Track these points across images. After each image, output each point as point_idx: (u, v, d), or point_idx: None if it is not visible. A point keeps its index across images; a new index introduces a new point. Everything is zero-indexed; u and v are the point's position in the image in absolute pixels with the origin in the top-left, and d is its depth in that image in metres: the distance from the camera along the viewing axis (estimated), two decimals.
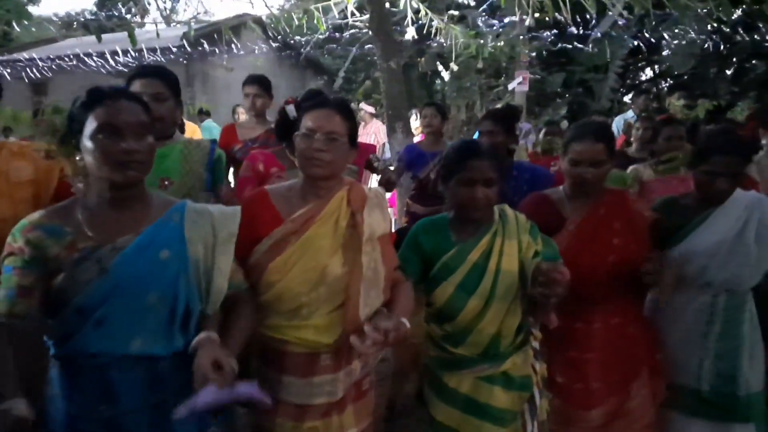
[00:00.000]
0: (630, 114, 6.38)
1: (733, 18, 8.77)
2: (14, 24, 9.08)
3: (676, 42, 8.64)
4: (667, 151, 3.32)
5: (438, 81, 14.15)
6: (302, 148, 1.67)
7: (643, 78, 12.90)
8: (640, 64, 12.22)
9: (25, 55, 14.67)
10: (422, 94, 13.68)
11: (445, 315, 1.95)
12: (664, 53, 10.42)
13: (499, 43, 8.44)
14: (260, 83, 3.69)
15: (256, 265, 1.66)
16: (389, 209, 4.34)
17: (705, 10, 6.09)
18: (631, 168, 3.50)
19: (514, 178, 3.00)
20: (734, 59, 10.24)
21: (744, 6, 7.10)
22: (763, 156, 2.64)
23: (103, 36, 5.19)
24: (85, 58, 12.15)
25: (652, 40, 9.59)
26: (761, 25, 7.88)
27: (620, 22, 8.81)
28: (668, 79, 11.66)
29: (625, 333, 2.13)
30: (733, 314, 2.16)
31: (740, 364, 2.14)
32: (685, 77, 10.36)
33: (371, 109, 8.26)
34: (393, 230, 2.03)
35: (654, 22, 8.47)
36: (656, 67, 12.18)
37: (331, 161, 1.66)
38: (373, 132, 7.78)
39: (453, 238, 1.95)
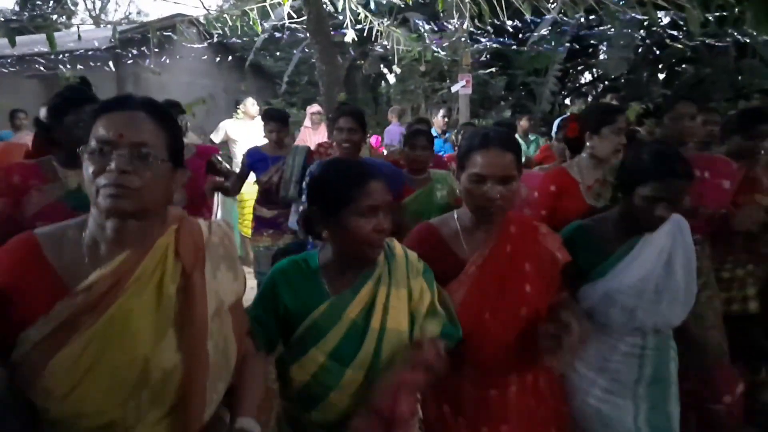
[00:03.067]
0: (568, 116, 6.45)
1: (662, 24, 9.11)
2: None
3: (610, 47, 8.89)
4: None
5: (383, 84, 14.09)
6: (91, 171, 1.06)
7: (582, 81, 13.27)
8: (579, 68, 12.55)
9: None
10: (367, 98, 13.57)
11: (310, 395, 1.44)
12: (600, 57, 10.72)
13: (441, 47, 8.42)
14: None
15: (23, 364, 1.03)
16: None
17: (634, 16, 6.24)
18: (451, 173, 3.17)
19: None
20: (665, 63, 10.66)
21: (672, 12, 7.37)
22: (584, 158, 2.48)
23: (28, 37, 4.77)
24: (6, 61, 11.33)
25: (592, 42, 9.85)
26: (689, 31, 8.22)
27: (557, 27, 8.99)
28: (606, 82, 12.03)
29: (539, 390, 1.74)
30: (663, 354, 1.89)
31: (671, 410, 1.88)
32: (621, 80, 10.69)
33: (317, 108, 7.99)
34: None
35: (589, 27, 8.68)
36: (594, 70, 12.54)
37: (140, 190, 1.06)
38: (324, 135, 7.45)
39: (325, 289, 1.46)
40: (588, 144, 2.45)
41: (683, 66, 10.60)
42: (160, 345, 1.09)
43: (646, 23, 8.54)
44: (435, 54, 7.75)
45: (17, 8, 21.89)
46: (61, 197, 2.04)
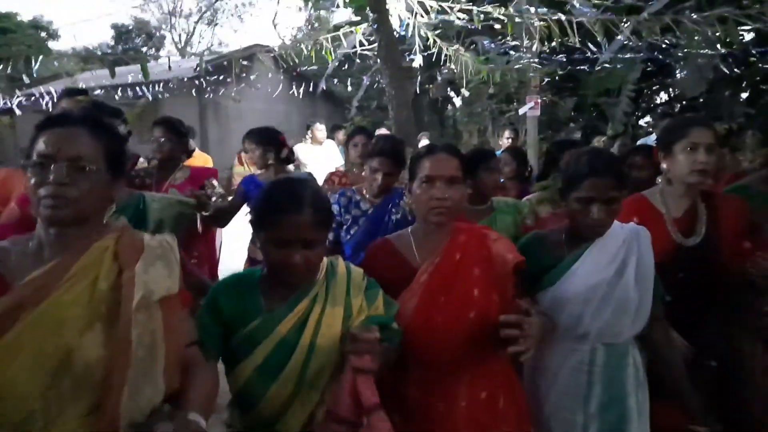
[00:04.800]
0: (653, 138, 6.28)
1: (744, 41, 8.70)
2: (33, 59, 9.28)
3: (687, 65, 8.57)
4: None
5: (449, 107, 14.21)
6: (32, 183, 1.17)
7: (658, 101, 12.81)
8: (654, 88, 12.14)
9: (43, 89, 14.99)
10: (433, 120, 13.73)
11: (242, 402, 1.50)
12: (678, 76, 10.34)
13: (509, 69, 8.45)
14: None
15: None
16: None
17: (715, 35, 6.03)
18: (525, 198, 3.00)
19: (388, 211, 2.59)
20: (747, 82, 10.11)
21: (755, 30, 7.04)
22: (663, 184, 2.15)
23: (119, 69, 5.25)
24: (101, 91, 12.37)
25: (667, 61, 9.54)
26: None
27: (629, 47, 8.79)
28: (683, 102, 11.56)
29: (495, 409, 1.69)
30: (614, 371, 1.79)
31: (630, 430, 1.77)
32: (700, 100, 10.25)
33: (384, 131, 8.19)
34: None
35: (664, 46, 8.43)
36: (670, 90, 12.09)
37: (78, 199, 1.17)
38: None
39: (261, 304, 1.48)
40: (662, 166, 2.16)
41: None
42: (86, 337, 1.14)
43: (727, 40, 8.19)
44: (503, 76, 7.77)
45: (112, 42, 23.84)
46: None
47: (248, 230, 3.25)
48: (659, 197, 2.16)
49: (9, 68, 8.31)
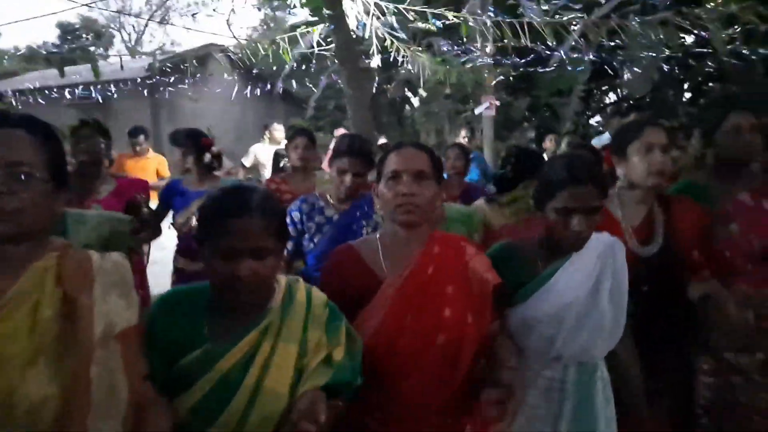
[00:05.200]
0: (606, 136, 6.49)
1: (684, 45, 9.13)
2: None
3: (633, 67, 8.94)
4: None
5: (407, 107, 14.32)
6: None
7: (607, 101, 13.27)
8: (603, 88, 12.57)
9: None
10: (391, 121, 13.81)
11: None
12: (625, 77, 10.76)
13: (464, 70, 8.60)
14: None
15: None
16: None
17: (658, 37, 6.33)
18: (474, 204, 2.75)
19: (355, 218, 2.43)
20: (691, 83, 10.61)
21: (693, 34, 7.44)
22: (621, 188, 2.04)
23: (67, 69, 5.09)
24: (47, 92, 11.92)
25: (614, 64, 9.91)
26: (711, 51, 8.24)
27: (579, 49, 9.11)
28: (631, 102, 12.02)
29: None
30: (586, 388, 1.70)
31: None
32: (646, 100, 10.68)
33: (343, 132, 8.23)
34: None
35: (611, 48, 8.77)
36: (618, 90, 12.55)
37: (17, 211, 1.01)
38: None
39: (205, 331, 1.27)
40: (618, 171, 2.06)
41: (710, 84, 10.55)
42: (29, 374, 0.97)
43: (668, 44, 8.58)
44: (459, 77, 7.92)
45: (58, 41, 22.95)
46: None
47: (172, 240, 3.10)
48: (616, 202, 2.03)
49: None
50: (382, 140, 6.74)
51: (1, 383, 0.95)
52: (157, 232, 3.00)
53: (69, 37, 23.36)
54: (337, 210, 2.49)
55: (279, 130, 6.31)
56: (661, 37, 6.23)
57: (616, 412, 1.76)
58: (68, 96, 11.73)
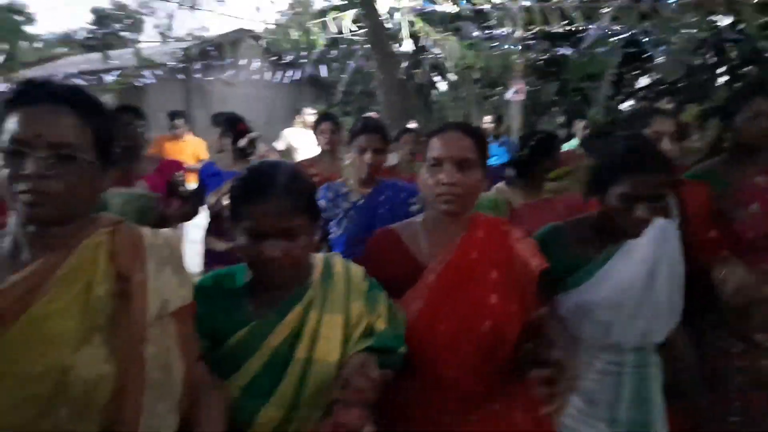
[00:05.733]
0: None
1: (718, 28, 8.93)
2: (12, 45, 9.21)
3: (666, 51, 8.81)
4: None
5: (434, 92, 14.31)
6: (7, 175, 0.96)
7: (639, 86, 13.05)
8: (635, 72, 12.37)
9: (26, 74, 14.83)
10: (419, 105, 13.82)
11: (228, 429, 1.22)
12: (657, 61, 10.58)
13: (492, 54, 8.59)
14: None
15: None
16: None
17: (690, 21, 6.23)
18: (494, 188, 2.77)
19: (379, 203, 2.46)
20: (726, 66, 10.38)
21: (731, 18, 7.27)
22: None
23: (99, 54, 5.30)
24: (84, 76, 12.27)
25: (646, 48, 9.76)
26: (746, 36, 8.05)
27: (610, 32, 8.98)
28: (663, 86, 11.81)
29: (510, 420, 1.47)
30: (643, 373, 1.67)
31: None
32: (679, 84, 10.50)
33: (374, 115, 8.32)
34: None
35: (644, 32, 8.64)
36: (652, 75, 12.34)
37: (61, 195, 0.96)
38: None
39: (248, 310, 1.27)
40: None
41: (746, 68, 10.30)
42: (83, 352, 0.95)
43: (703, 26, 8.41)
44: (487, 61, 7.92)
45: (92, 26, 23.43)
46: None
47: (203, 220, 3.18)
48: None
49: None
50: (412, 124, 6.81)
51: (56, 361, 0.93)
52: (195, 211, 3.12)
53: (103, 23, 23.86)
54: (361, 194, 2.52)
55: (310, 115, 6.43)
56: (693, 20, 6.13)
57: (667, 398, 1.74)
58: (105, 80, 12.05)
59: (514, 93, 9.07)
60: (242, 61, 11.63)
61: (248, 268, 1.29)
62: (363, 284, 1.35)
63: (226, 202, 2.86)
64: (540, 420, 1.47)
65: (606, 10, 6.43)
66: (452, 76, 7.38)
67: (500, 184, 2.78)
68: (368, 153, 2.44)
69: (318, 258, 1.36)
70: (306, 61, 11.66)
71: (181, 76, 11.60)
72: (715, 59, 9.63)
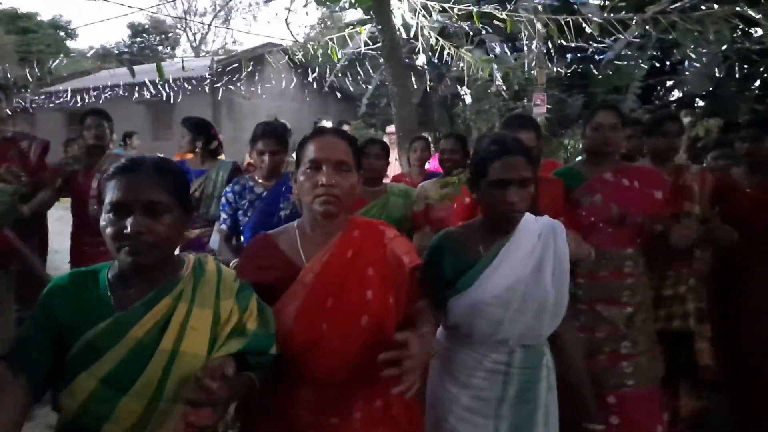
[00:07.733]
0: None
1: (748, 40, 8.73)
2: (52, 59, 9.62)
3: (692, 64, 8.65)
4: None
5: (459, 104, 14.34)
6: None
7: (669, 99, 12.82)
8: (662, 85, 12.17)
9: (61, 87, 15.45)
10: (443, 117, 13.86)
11: (82, 426, 1.22)
12: (686, 74, 10.39)
13: (511, 68, 8.57)
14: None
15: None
16: None
17: (716, 33, 6.12)
18: (420, 185, 3.16)
19: (281, 192, 2.80)
20: (757, 79, 10.12)
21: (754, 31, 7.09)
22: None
23: (137, 68, 5.51)
24: (117, 89, 12.72)
25: (673, 61, 9.60)
26: None
27: (636, 45, 8.87)
28: (696, 100, 11.57)
29: (390, 415, 1.53)
30: (531, 372, 1.72)
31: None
32: (706, 97, 10.28)
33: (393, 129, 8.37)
34: None
35: (670, 45, 8.50)
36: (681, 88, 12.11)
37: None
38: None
39: (111, 303, 1.24)
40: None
41: None
42: None
43: (733, 37, 8.23)
44: (507, 74, 7.91)
45: (129, 41, 24.26)
46: None
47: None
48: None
49: (31, 67, 8.61)
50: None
51: None
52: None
53: (139, 39, 24.70)
54: (265, 187, 2.84)
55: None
56: (719, 32, 6.02)
57: (562, 399, 1.79)
58: (137, 94, 12.46)
59: (536, 105, 9.02)
60: (269, 75, 11.90)
61: (113, 252, 1.24)
62: (234, 284, 1.36)
63: (197, 194, 3.37)
64: (413, 413, 1.58)
65: (633, 22, 6.35)
66: (469, 90, 7.38)
67: (426, 182, 3.15)
68: (265, 155, 2.78)
69: (190, 257, 1.38)
70: (330, 75, 11.86)
71: (208, 89, 11.90)
72: (745, 72, 9.40)
